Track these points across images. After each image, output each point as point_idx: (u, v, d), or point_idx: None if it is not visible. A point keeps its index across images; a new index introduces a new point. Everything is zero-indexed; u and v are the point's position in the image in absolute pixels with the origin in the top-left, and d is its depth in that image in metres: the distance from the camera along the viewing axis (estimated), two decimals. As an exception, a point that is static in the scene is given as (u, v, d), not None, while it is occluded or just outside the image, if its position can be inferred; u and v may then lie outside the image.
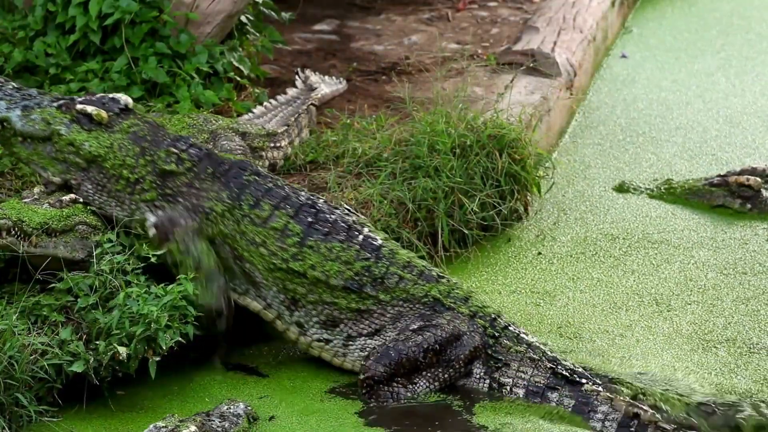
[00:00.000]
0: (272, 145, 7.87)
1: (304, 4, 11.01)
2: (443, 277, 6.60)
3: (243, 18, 9.06)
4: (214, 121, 7.46)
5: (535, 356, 6.44)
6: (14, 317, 5.99)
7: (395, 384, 6.30)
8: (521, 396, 6.42)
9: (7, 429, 5.77)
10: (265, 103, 8.42)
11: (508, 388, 6.44)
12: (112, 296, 6.24)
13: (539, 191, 8.32)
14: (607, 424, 6.24)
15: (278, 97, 8.59)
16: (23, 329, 5.97)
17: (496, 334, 6.47)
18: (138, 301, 6.14)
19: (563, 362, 6.46)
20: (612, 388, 6.40)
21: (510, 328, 6.52)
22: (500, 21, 11.54)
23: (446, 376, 6.40)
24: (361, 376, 6.29)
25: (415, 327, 6.40)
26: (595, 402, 6.29)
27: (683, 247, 8.00)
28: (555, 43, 10.36)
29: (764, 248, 7.99)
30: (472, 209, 7.68)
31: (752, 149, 9.53)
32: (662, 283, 7.53)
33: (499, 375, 6.45)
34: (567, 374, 6.39)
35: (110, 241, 6.42)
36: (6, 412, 5.80)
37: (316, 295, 6.48)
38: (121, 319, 6.11)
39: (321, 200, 6.70)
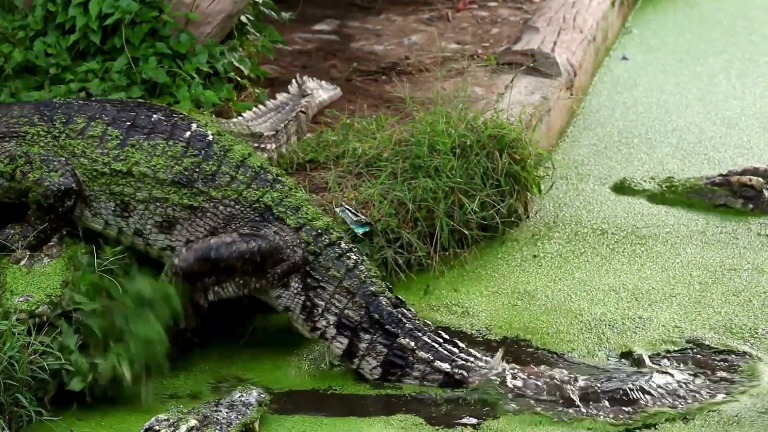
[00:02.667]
0: (256, 145, 7.85)
1: (304, 4, 11.00)
2: (279, 181, 6.61)
3: (243, 18, 9.05)
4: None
5: (352, 288, 6.45)
6: (14, 317, 6.00)
7: (207, 280, 6.34)
8: (332, 323, 6.45)
9: (6, 429, 5.76)
10: (254, 109, 8.40)
11: (320, 311, 6.46)
12: (110, 297, 6.26)
13: (539, 191, 8.31)
14: (425, 383, 6.35)
15: (267, 102, 8.57)
16: (23, 329, 5.96)
17: (317, 251, 6.48)
18: (138, 322, 6.16)
19: (382, 302, 6.45)
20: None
21: (334, 247, 6.52)
22: (500, 21, 11.53)
23: (257, 285, 6.44)
24: (175, 261, 6.34)
25: (241, 231, 6.41)
26: (411, 359, 6.36)
27: (686, 247, 8.00)
28: (555, 43, 10.36)
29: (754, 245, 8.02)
30: (472, 209, 7.67)
31: (746, 149, 9.54)
32: (650, 277, 7.56)
33: (313, 295, 6.47)
34: (381, 319, 6.40)
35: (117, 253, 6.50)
36: (6, 413, 5.79)
37: (145, 193, 6.51)
38: (122, 336, 6.14)
39: (143, 106, 6.75)
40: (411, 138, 7.93)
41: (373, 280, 6.54)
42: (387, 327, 6.42)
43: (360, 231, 7.27)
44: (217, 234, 6.49)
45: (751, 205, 8.48)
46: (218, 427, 5.73)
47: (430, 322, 6.56)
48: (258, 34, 9.23)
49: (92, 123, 6.63)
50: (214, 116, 7.87)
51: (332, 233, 6.57)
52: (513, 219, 8.10)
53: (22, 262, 6.37)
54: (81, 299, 6.23)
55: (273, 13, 9.61)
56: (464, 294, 7.37)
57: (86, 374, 6.02)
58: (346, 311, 6.45)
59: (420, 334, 6.43)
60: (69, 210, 6.49)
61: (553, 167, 8.47)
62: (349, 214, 7.33)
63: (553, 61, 9.99)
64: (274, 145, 8.05)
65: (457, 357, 6.40)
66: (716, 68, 11.37)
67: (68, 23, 8.13)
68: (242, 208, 6.51)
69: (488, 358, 6.45)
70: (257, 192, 6.53)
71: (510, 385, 6.26)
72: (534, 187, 8.22)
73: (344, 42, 10.90)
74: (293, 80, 9.05)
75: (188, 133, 6.63)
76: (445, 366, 6.36)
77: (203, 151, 6.58)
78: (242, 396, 5.97)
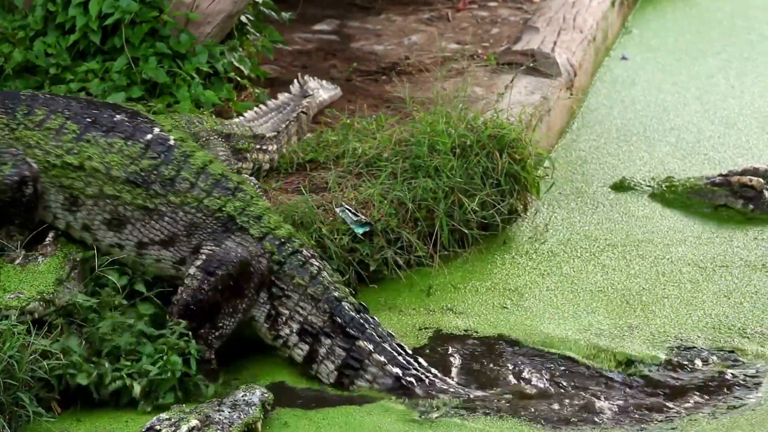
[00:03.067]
0: (259, 147, 7.85)
1: (304, 4, 11.01)
2: (240, 189, 6.56)
3: (243, 18, 9.05)
4: (198, 123, 7.42)
5: (316, 295, 6.43)
6: (14, 317, 6.00)
7: (204, 330, 6.30)
8: (294, 331, 6.43)
9: (7, 428, 5.76)
10: (255, 109, 8.39)
11: (284, 319, 6.44)
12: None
13: (538, 191, 8.31)
14: (375, 386, 6.34)
15: (269, 102, 8.57)
16: (23, 329, 5.96)
17: (282, 261, 6.46)
18: (149, 343, 6.18)
19: (345, 306, 6.44)
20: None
21: (297, 255, 6.49)
22: (500, 21, 11.53)
23: (244, 306, 6.40)
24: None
25: (201, 262, 6.32)
26: (367, 362, 6.35)
27: (678, 247, 8.01)
28: (555, 43, 10.36)
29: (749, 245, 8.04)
30: (472, 209, 7.67)
31: (745, 149, 9.54)
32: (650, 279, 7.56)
33: (278, 304, 6.45)
34: (344, 323, 6.40)
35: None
36: (6, 412, 5.79)
37: (95, 188, 6.47)
38: (133, 351, 6.16)
39: (109, 106, 6.71)
40: (411, 138, 7.93)
41: (336, 285, 6.53)
42: (348, 330, 6.41)
43: (360, 231, 7.27)
44: (177, 242, 6.46)
45: (751, 206, 8.46)
46: (220, 427, 5.71)
47: (393, 333, 6.55)
48: (258, 34, 9.23)
49: (52, 116, 6.60)
50: (213, 116, 7.89)
51: (295, 241, 6.54)
52: (513, 218, 8.10)
53: (17, 261, 6.37)
54: (82, 298, 6.26)
55: (273, 13, 9.62)
56: (463, 294, 7.37)
57: (91, 371, 6.02)
58: (309, 318, 6.44)
59: (380, 340, 6.43)
60: (32, 198, 6.45)
61: (552, 167, 8.46)
62: (349, 214, 7.33)
63: (553, 61, 9.99)
64: (275, 146, 8.04)
65: (413, 368, 6.39)
66: (714, 67, 11.38)
67: (68, 23, 8.14)
68: (204, 218, 6.47)
69: (445, 378, 6.43)
70: (219, 201, 6.49)
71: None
72: (533, 187, 8.21)
73: (344, 42, 10.90)
74: (295, 80, 9.04)
75: (149, 136, 6.59)
76: (397, 371, 6.35)
77: (163, 155, 6.54)
78: (245, 395, 5.94)
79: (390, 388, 6.32)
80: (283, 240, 6.50)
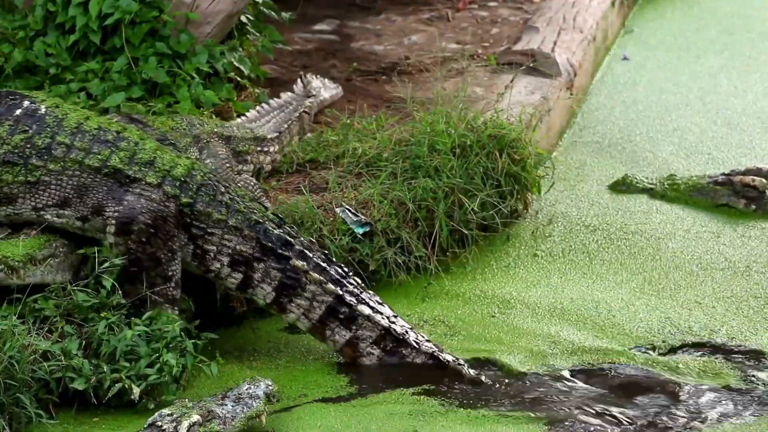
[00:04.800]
0: (260, 149, 7.84)
1: (304, 4, 11.01)
2: (122, 138, 6.45)
3: (243, 18, 9.05)
4: (198, 125, 7.40)
5: (238, 224, 6.41)
6: (14, 318, 5.99)
7: (160, 287, 6.31)
8: (225, 264, 6.41)
9: (7, 429, 5.75)
10: (257, 108, 8.38)
11: (212, 255, 6.42)
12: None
13: (539, 191, 8.31)
14: (314, 304, 6.39)
15: (271, 101, 8.56)
16: (24, 329, 5.95)
17: (191, 201, 6.40)
18: (142, 341, 6.15)
19: (269, 227, 6.43)
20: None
21: (204, 189, 6.42)
22: (500, 21, 11.53)
23: (177, 245, 6.37)
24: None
25: (113, 228, 6.28)
26: (304, 281, 6.38)
27: (687, 247, 8.00)
28: (555, 43, 10.36)
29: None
30: (472, 209, 7.67)
31: (748, 149, 9.52)
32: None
33: (202, 242, 6.42)
34: (273, 245, 6.40)
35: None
36: (6, 413, 5.78)
37: None
38: (131, 352, 6.14)
39: None
40: (411, 138, 7.93)
41: (250, 206, 6.49)
42: (279, 251, 6.41)
43: (360, 231, 7.28)
44: (72, 204, 6.38)
45: (753, 206, 8.46)
46: (222, 421, 5.69)
47: (314, 240, 6.62)
48: (258, 34, 9.23)
49: None
50: (213, 116, 7.88)
51: (196, 175, 6.46)
52: (512, 219, 8.09)
53: None
54: (82, 296, 6.25)
55: (273, 13, 9.62)
56: (462, 294, 7.37)
57: (89, 376, 6.01)
58: (238, 248, 6.42)
59: (309, 253, 6.44)
60: None
61: (552, 167, 8.46)
62: (349, 214, 7.33)
63: (553, 61, 9.99)
64: (277, 147, 8.03)
65: (347, 282, 6.45)
66: (716, 66, 11.35)
67: (68, 23, 8.14)
68: (92, 177, 6.37)
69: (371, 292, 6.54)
70: (100, 156, 6.37)
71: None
72: (534, 187, 8.21)
73: (344, 42, 10.90)
74: (298, 79, 9.04)
75: (18, 111, 6.46)
76: (337, 289, 6.39)
77: (35, 126, 6.41)
78: (250, 388, 5.90)
79: (327, 307, 6.37)
80: (183, 179, 6.42)
